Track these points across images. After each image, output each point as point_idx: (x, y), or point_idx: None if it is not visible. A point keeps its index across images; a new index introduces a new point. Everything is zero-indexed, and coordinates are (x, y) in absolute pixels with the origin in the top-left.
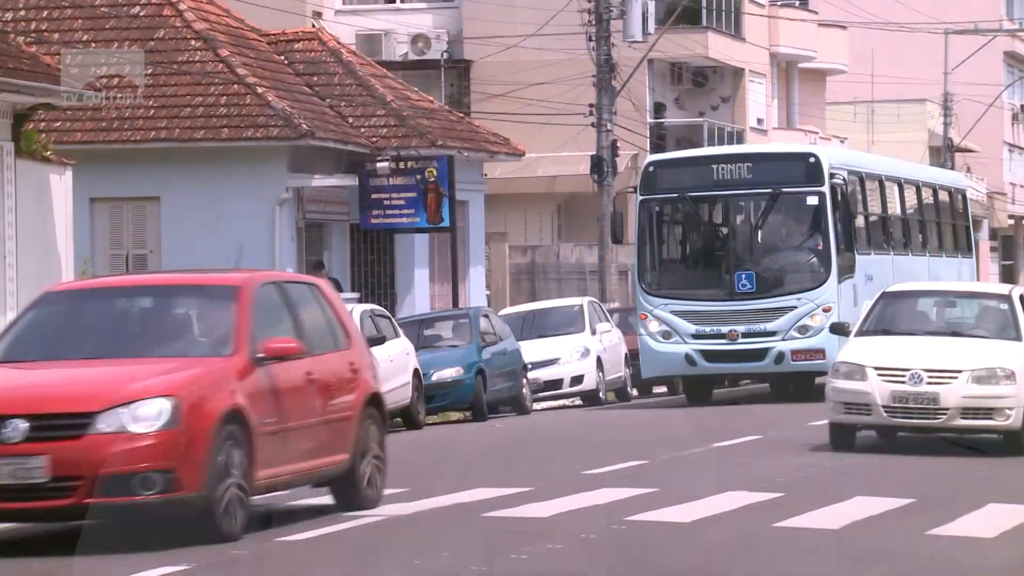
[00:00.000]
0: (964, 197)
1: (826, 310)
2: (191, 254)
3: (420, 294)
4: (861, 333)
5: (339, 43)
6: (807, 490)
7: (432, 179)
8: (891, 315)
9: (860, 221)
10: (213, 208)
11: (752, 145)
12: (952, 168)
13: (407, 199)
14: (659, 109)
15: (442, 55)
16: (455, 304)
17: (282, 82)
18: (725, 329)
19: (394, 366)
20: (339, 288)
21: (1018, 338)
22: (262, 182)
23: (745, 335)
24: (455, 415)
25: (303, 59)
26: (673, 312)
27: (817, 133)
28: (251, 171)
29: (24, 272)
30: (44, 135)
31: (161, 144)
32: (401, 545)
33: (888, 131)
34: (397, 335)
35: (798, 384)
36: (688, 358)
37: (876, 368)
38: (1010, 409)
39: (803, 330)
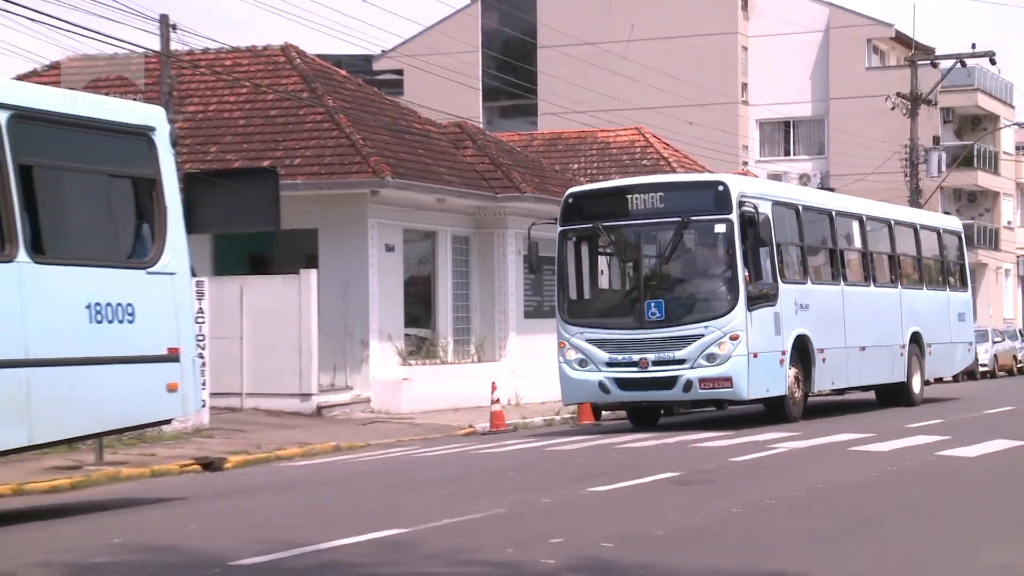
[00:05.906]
0: (960, 238)
1: (733, 338)
2: None
3: None
4: None
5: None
6: None
7: None
8: None
9: (795, 252)
10: None
11: (665, 175)
12: None
13: None
14: None
15: (817, 186)
16: None
17: None
18: (636, 357)
19: None
20: None
21: None
22: None
23: (655, 363)
24: None
25: None
26: (588, 340)
27: None
28: None
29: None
30: None
31: None
32: (798, 465)
33: None
34: None
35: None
36: (601, 386)
37: None
38: None
39: (711, 358)
